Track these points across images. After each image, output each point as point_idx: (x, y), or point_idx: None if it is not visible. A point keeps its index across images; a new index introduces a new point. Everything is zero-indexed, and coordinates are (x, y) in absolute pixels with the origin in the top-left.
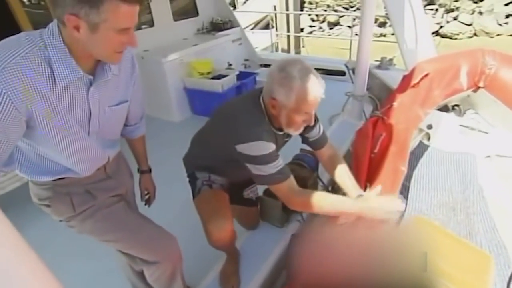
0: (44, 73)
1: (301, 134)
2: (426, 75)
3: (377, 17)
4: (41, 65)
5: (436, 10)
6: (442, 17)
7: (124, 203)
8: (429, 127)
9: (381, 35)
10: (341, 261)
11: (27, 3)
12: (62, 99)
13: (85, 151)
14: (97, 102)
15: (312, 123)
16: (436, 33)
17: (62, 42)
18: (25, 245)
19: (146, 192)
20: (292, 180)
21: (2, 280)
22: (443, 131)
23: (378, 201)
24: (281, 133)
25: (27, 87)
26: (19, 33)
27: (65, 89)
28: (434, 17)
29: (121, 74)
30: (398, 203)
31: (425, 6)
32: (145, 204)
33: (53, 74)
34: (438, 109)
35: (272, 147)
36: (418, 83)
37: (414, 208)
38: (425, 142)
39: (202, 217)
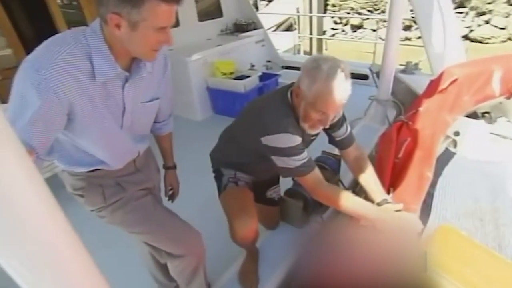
0: (85, 69)
1: (327, 133)
2: (455, 80)
3: (403, 20)
4: (83, 61)
5: (466, 13)
6: (472, 20)
7: (152, 196)
8: (456, 133)
9: (406, 38)
10: (354, 262)
11: (60, 3)
12: (100, 94)
13: (118, 144)
14: (131, 98)
15: (327, 126)
16: (465, 37)
17: (103, 39)
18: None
19: (170, 188)
20: (316, 172)
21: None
22: (471, 138)
23: (396, 218)
24: None
25: (70, 82)
26: (56, 31)
27: (103, 85)
28: (463, 20)
29: (154, 72)
30: (416, 224)
31: (455, 9)
32: (168, 200)
33: (93, 70)
34: (466, 116)
35: (298, 140)
36: (446, 88)
37: (439, 216)
38: (451, 149)
39: (227, 214)
